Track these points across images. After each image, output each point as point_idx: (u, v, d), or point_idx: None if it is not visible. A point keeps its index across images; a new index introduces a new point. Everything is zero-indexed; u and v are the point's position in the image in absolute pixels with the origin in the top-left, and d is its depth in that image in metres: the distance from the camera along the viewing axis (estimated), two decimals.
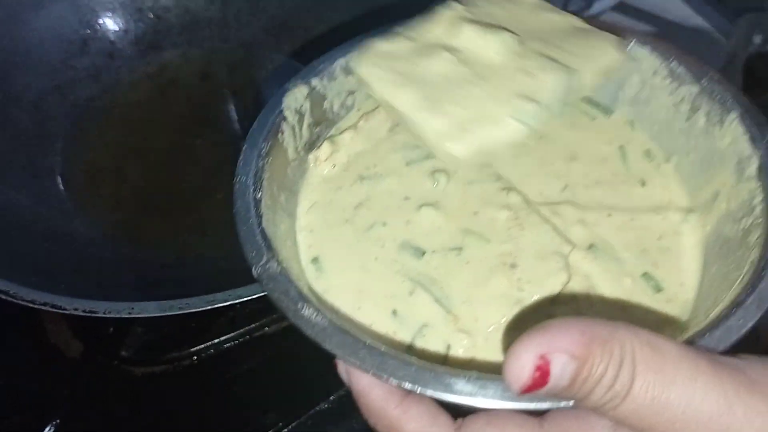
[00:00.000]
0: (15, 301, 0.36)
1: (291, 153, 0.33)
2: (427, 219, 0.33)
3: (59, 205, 0.47)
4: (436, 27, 0.33)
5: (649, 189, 0.34)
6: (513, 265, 0.31)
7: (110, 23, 0.53)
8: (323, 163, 0.35)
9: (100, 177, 0.49)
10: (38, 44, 0.50)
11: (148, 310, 0.35)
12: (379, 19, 0.32)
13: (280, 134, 0.32)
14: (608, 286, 0.30)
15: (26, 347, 0.46)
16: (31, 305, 0.36)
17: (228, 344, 0.46)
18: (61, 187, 0.48)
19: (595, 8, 0.67)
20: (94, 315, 0.35)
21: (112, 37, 0.53)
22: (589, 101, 0.37)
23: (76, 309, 0.35)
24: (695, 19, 0.70)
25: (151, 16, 0.54)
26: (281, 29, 0.55)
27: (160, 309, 0.36)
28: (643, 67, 0.35)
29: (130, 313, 0.35)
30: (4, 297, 0.36)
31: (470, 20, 0.34)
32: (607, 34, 0.33)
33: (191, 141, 0.51)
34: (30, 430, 0.43)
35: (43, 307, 0.35)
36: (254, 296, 0.36)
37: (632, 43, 0.35)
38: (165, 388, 0.45)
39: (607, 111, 0.37)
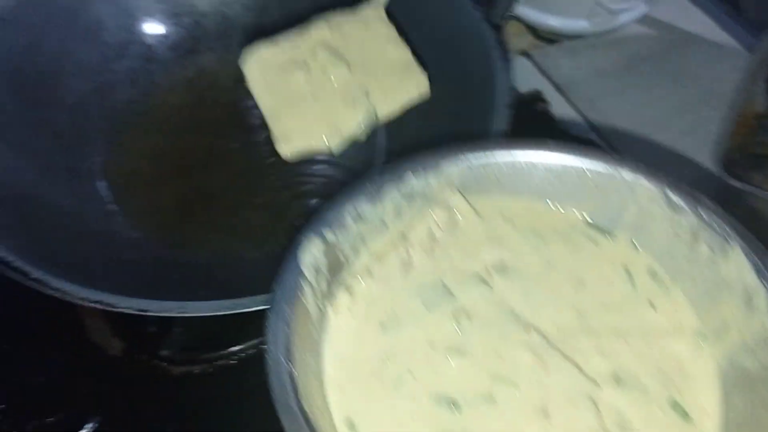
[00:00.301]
0: (68, 299, 0.36)
1: (312, 310, 0.33)
2: (455, 366, 0.33)
3: (99, 206, 0.48)
4: (304, 44, 0.44)
5: (659, 312, 0.35)
6: (546, 413, 0.31)
7: (149, 28, 0.54)
8: (342, 314, 0.35)
9: (137, 179, 0.50)
10: (79, 47, 0.51)
11: (200, 309, 0.36)
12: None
13: (301, 295, 0.33)
14: (641, 420, 0.31)
15: (67, 345, 0.47)
16: (82, 303, 0.36)
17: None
18: (101, 188, 0.49)
19: (621, 20, 0.68)
20: (145, 313, 0.36)
21: (150, 41, 0.54)
22: (591, 225, 0.38)
23: (128, 307, 0.36)
24: (718, 33, 0.71)
25: (189, 21, 0.55)
26: None
27: (211, 309, 0.36)
28: (639, 196, 0.36)
29: (180, 312, 0.36)
30: (59, 296, 0.36)
31: (327, 46, 0.45)
32: (420, 73, 0.43)
33: (227, 144, 0.52)
34: (72, 428, 0.43)
35: (95, 305, 0.36)
36: None
37: None
38: (203, 388, 0.46)
39: (609, 234, 0.38)
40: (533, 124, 0.64)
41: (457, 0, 0.48)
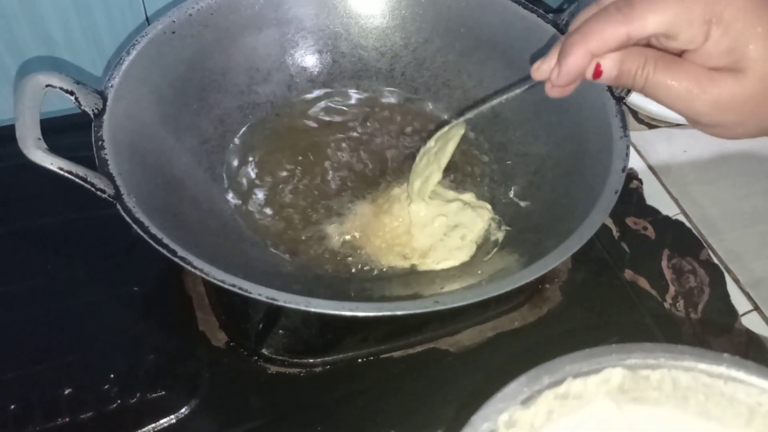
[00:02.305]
0: (208, 279, 0.40)
1: None
2: None
3: (229, 209, 0.53)
4: None
5: None
6: None
7: (294, 60, 0.60)
8: None
9: (261, 191, 0.55)
10: (233, 68, 0.57)
11: (323, 306, 0.39)
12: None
13: None
14: None
15: (178, 332, 0.51)
16: (221, 284, 0.40)
17: (359, 360, 0.49)
18: (230, 192, 0.54)
19: None
20: (274, 303, 0.39)
21: (292, 71, 0.60)
22: None
23: (260, 294, 0.39)
24: None
25: (329, 59, 0.60)
26: (441, 87, 0.61)
27: (333, 308, 0.39)
28: None
29: (306, 306, 0.39)
30: (200, 275, 0.40)
31: None
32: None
33: (346, 169, 0.56)
34: (174, 405, 0.47)
35: (231, 288, 0.40)
36: (417, 311, 0.40)
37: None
38: (295, 389, 0.48)
39: None
40: (625, 201, 0.67)
41: None
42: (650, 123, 0.75)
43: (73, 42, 0.62)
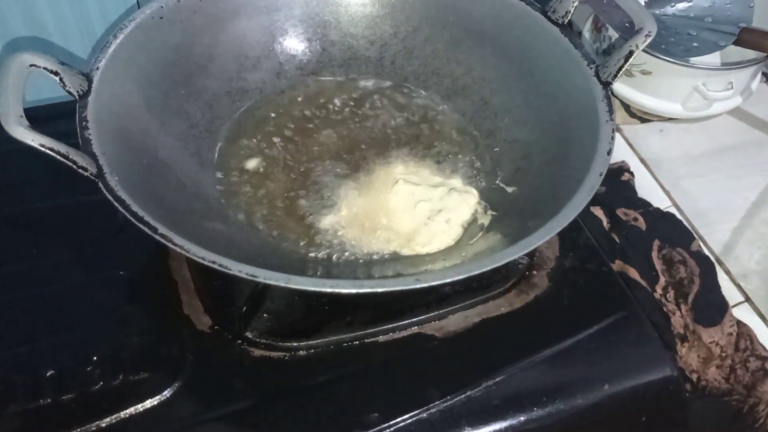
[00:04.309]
0: (189, 256, 0.40)
1: None
2: None
3: (215, 193, 0.53)
4: None
5: None
6: None
7: (283, 48, 0.60)
8: None
9: (248, 175, 0.54)
10: (222, 54, 0.57)
11: (303, 283, 0.39)
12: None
13: None
14: None
15: (163, 315, 0.50)
16: (201, 261, 0.40)
17: (344, 344, 0.49)
18: (217, 177, 0.54)
19: (714, 109, 0.71)
20: (254, 279, 0.39)
21: (281, 59, 0.60)
22: None
23: (240, 271, 0.39)
24: None
25: (318, 47, 0.60)
26: (430, 75, 0.60)
27: (314, 284, 0.39)
28: None
29: (286, 283, 0.39)
30: (181, 251, 0.40)
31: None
32: None
33: (332, 153, 0.56)
34: (157, 387, 0.46)
35: (211, 265, 0.39)
36: (398, 288, 0.40)
37: None
38: (279, 373, 0.48)
39: None
40: (616, 192, 0.67)
41: (573, 55, 0.51)
42: (642, 117, 0.75)
43: (64, 27, 0.62)
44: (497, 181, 0.54)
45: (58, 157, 0.41)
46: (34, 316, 0.49)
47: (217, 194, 0.52)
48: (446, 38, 0.60)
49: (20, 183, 0.57)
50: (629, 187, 0.68)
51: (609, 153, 0.46)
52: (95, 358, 0.47)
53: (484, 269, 0.40)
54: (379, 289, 0.39)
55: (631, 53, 0.48)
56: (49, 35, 0.63)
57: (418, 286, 0.39)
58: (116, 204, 0.41)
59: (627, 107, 0.75)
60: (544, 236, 0.42)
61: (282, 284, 0.39)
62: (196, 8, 0.55)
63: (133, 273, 0.52)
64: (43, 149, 0.41)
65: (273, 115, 0.58)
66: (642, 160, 0.72)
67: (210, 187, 0.53)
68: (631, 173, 0.69)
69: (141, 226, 0.41)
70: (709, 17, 0.71)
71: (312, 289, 0.39)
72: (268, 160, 0.55)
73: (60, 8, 0.61)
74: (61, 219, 0.55)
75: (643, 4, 0.72)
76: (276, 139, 0.56)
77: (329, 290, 0.39)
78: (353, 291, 0.39)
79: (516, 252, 0.41)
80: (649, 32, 0.48)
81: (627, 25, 0.66)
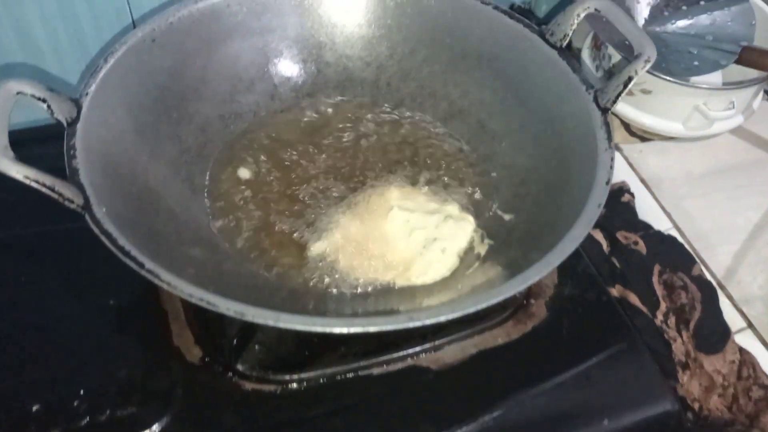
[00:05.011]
0: (176, 293, 0.39)
1: None
2: None
3: (206, 220, 0.52)
4: None
5: None
6: None
7: (277, 69, 0.59)
8: None
9: (241, 200, 0.53)
10: (215, 77, 0.56)
11: (293, 322, 0.38)
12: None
13: None
14: None
15: (152, 346, 0.49)
16: (188, 298, 0.39)
17: (337, 377, 0.48)
18: (208, 203, 0.53)
19: (715, 128, 0.70)
20: (242, 318, 0.38)
21: (276, 81, 0.59)
22: None
23: (228, 309, 0.38)
24: None
25: (313, 68, 0.59)
26: (426, 97, 0.60)
27: (304, 323, 0.38)
28: None
29: (275, 322, 0.38)
30: (167, 288, 0.39)
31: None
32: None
33: (325, 179, 0.55)
34: (145, 422, 0.45)
35: (198, 303, 0.38)
36: (390, 327, 0.39)
37: None
38: (270, 407, 0.47)
39: None
40: (616, 215, 0.66)
41: (571, 80, 0.50)
42: (643, 136, 0.74)
43: (58, 49, 0.61)
44: (494, 208, 0.53)
45: (44, 189, 0.40)
46: (19, 348, 0.48)
47: (208, 221, 0.51)
48: (443, 60, 0.59)
49: (6, 208, 0.56)
50: (629, 209, 0.67)
51: (608, 183, 0.45)
52: (82, 392, 0.46)
53: (480, 306, 0.39)
54: (371, 329, 0.38)
55: (630, 79, 0.47)
56: (42, 53, 0.62)
57: (411, 324, 0.38)
58: (102, 238, 0.40)
59: (627, 126, 0.74)
60: (541, 271, 0.41)
61: (271, 323, 0.38)
62: (188, 30, 0.54)
63: (123, 302, 0.51)
64: (27, 182, 0.40)
65: (267, 138, 0.57)
66: (642, 180, 0.71)
67: (201, 214, 0.52)
68: (632, 194, 0.68)
69: (128, 261, 0.40)
70: (710, 35, 0.70)
71: (302, 328, 0.38)
72: (261, 184, 0.54)
73: (53, 26, 0.60)
74: (48, 245, 0.54)
75: (643, 20, 0.71)
76: (269, 164, 0.55)
77: (320, 329, 0.38)
78: (344, 330, 0.38)
79: (513, 288, 0.40)
80: (649, 57, 0.47)
81: (627, 43, 0.65)
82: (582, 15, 0.51)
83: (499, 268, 0.46)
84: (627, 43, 0.49)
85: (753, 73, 0.67)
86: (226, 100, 0.56)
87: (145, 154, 0.49)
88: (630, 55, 0.48)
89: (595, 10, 0.50)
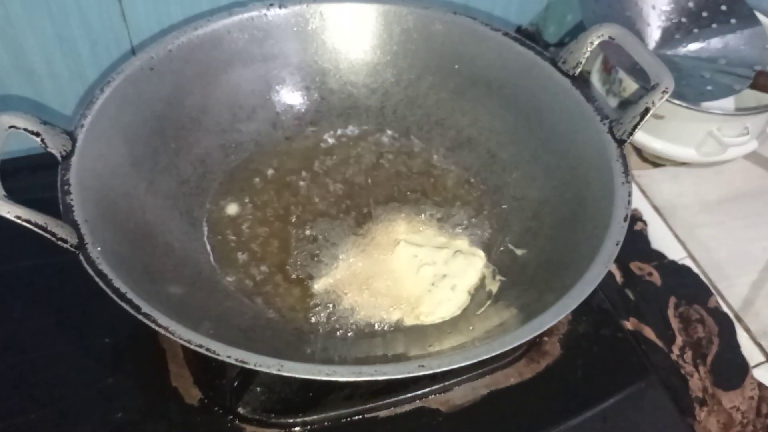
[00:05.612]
0: (174, 338, 0.37)
1: None
2: None
3: (205, 255, 0.50)
4: None
5: None
6: None
7: (280, 97, 0.57)
8: None
9: (242, 234, 0.52)
10: (215, 105, 0.54)
11: (297, 370, 0.36)
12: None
13: None
14: None
15: (150, 388, 0.47)
16: (187, 344, 0.37)
17: (343, 420, 0.46)
18: (208, 237, 0.51)
19: (729, 154, 0.68)
20: (244, 365, 0.36)
21: (278, 109, 0.57)
22: None
23: (229, 356, 0.36)
24: None
25: (317, 96, 0.58)
26: (434, 125, 0.58)
27: (308, 372, 0.36)
28: None
29: (279, 370, 0.36)
30: (165, 333, 0.37)
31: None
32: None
33: (332, 217, 0.53)
34: None
35: (197, 349, 0.37)
36: (399, 376, 0.37)
37: None
38: None
39: None
40: (629, 245, 0.64)
41: (585, 109, 0.49)
42: (655, 162, 0.72)
43: (55, 75, 0.60)
44: (506, 242, 0.51)
45: (36, 229, 0.39)
46: (10, 389, 0.46)
47: (208, 257, 0.49)
48: (451, 87, 0.57)
49: None
50: (642, 238, 0.65)
51: (625, 220, 0.43)
52: None
53: (494, 353, 0.37)
54: (380, 377, 0.36)
55: (647, 110, 0.46)
56: (39, 79, 0.60)
57: (421, 373, 0.36)
58: (98, 279, 0.39)
59: (639, 152, 0.72)
60: (558, 314, 0.39)
61: (274, 371, 0.36)
62: (188, 57, 0.52)
63: (119, 340, 0.49)
64: (19, 221, 0.38)
65: (269, 168, 0.55)
66: (655, 208, 0.69)
67: (200, 249, 0.50)
68: (644, 222, 0.66)
69: (123, 304, 0.38)
70: (723, 59, 0.68)
71: (307, 377, 0.36)
72: (264, 218, 0.52)
73: (50, 51, 0.58)
74: (43, 280, 0.52)
75: (654, 43, 0.70)
76: (271, 196, 0.53)
77: (325, 378, 0.36)
78: (351, 379, 0.36)
79: (529, 333, 0.38)
80: (666, 88, 0.45)
81: (638, 68, 0.64)
82: (596, 42, 0.49)
83: (512, 309, 0.44)
84: (638, 67, 0.48)
85: (766, 98, 0.66)
86: (227, 130, 0.55)
87: (143, 187, 0.47)
88: (642, 79, 0.46)
89: (609, 37, 0.49)
